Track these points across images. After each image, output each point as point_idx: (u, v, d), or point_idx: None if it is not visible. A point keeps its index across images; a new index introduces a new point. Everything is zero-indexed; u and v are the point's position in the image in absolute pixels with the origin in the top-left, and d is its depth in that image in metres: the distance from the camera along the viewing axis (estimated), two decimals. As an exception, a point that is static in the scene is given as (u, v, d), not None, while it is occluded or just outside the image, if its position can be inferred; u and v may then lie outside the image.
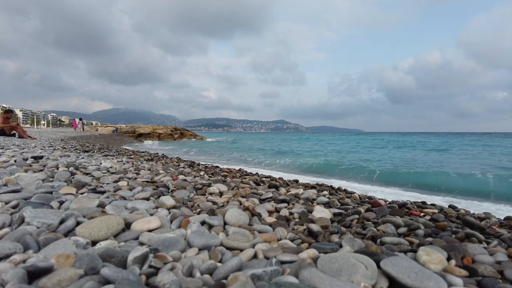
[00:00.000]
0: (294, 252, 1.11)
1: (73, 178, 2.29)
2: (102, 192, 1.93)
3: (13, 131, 8.45)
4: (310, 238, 1.43)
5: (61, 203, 1.55)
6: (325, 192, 3.05)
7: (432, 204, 2.85)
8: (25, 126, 58.67)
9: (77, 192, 1.86)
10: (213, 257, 1.05)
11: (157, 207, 1.68)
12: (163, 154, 8.59)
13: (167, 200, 1.76)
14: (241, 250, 1.14)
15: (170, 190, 2.23)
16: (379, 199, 2.99)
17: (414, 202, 2.77)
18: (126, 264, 0.91)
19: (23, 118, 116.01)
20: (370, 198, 3.10)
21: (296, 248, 1.21)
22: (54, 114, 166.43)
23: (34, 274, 0.78)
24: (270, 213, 1.88)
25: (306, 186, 3.67)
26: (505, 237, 1.49)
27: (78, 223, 1.19)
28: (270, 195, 2.33)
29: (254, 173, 5.19)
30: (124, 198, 1.84)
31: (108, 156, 5.17)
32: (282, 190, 2.74)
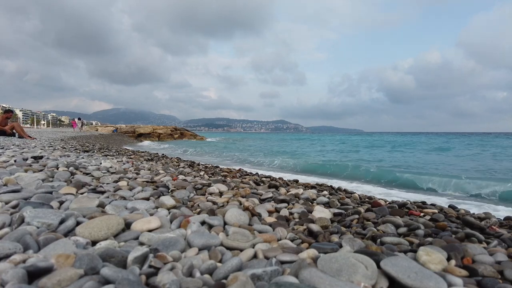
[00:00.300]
0: (294, 252, 1.11)
1: (73, 178, 2.29)
2: (102, 192, 1.93)
3: (13, 130, 8.46)
4: (310, 238, 1.43)
5: (61, 203, 1.55)
6: (325, 192, 3.05)
7: (432, 204, 2.85)
8: (25, 126, 58.66)
9: (77, 192, 1.86)
10: (213, 257, 1.05)
11: (157, 207, 1.68)
12: (163, 154, 8.60)
13: (167, 200, 1.76)
14: (241, 250, 1.14)
15: (170, 190, 2.23)
16: (379, 199, 2.99)
17: (414, 202, 2.77)
18: (126, 264, 0.91)
19: (23, 118, 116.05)
20: (370, 198, 3.10)
21: (296, 248, 1.21)
22: (54, 114, 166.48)
23: (34, 274, 0.78)
24: (270, 213, 1.88)
25: (306, 186, 3.67)
26: (505, 237, 1.49)
27: (78, 223, 1.19)
28: (270, 195, 2.33)
29: (254, 173, 5.19)
30: (124, 198, 1.84)
31: (108, 156, 5.17)
32: (282, 190, 2.74)
